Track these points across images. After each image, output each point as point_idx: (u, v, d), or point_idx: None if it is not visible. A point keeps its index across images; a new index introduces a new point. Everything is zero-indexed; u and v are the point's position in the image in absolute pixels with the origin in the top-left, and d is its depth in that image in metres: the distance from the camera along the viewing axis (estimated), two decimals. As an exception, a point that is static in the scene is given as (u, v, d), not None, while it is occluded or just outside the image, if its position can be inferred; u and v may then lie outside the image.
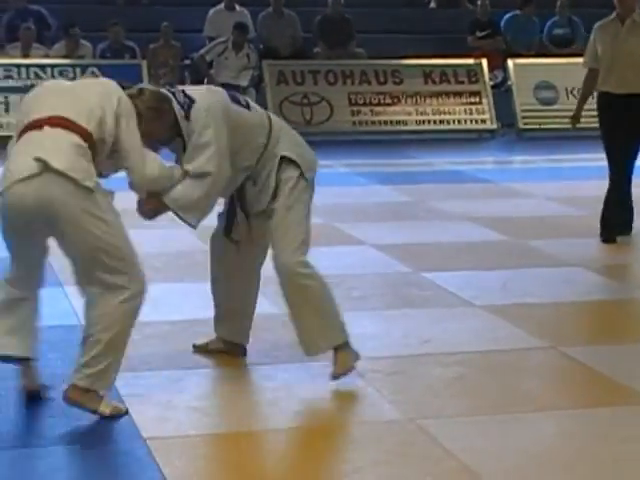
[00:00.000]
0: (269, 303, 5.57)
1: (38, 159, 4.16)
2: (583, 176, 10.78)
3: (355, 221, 8.51)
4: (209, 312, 5.30)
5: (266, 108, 13.30)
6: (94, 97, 4.36)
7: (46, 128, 4.25)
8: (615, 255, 7.59)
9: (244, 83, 13.51)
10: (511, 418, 4.55)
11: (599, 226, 7.94)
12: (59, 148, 4.21)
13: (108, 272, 4.28)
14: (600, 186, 10.25)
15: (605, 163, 8.03)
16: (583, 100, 8.03)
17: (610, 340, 5.65)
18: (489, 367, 5.20)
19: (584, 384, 5.02)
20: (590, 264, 7.19)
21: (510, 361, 5.33)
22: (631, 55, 7.63)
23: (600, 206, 9.05)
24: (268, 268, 4.97)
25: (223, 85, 13.30)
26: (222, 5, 14.66)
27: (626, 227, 7.91)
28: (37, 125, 4.27)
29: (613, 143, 7.79)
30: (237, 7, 14.68)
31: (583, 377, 5.10)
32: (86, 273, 4.32)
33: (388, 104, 13.82)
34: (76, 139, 4.24)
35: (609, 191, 7.92)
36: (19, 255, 4.42)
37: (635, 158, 7.88)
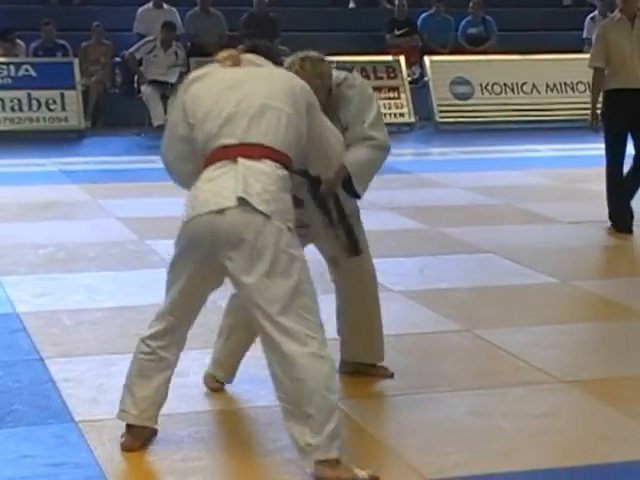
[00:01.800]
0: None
1: (240, 198, 3.75)
2: (496, 167, 11.04)
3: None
4: (140, 299, 5.38)
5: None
6: (281, 104, 3.91)
7: (241, 161, 3.81)
8: (525, 242, 7.76)
9: (172, 80, 13.62)
10: (427, 398, 4.66)
11: (610, 217, 8.04)
12: (263, 189, 3.77)
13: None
14: (511, 176, 10.60)
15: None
16: (597, 99, 7.98)
17: (520, 323, 5.78)
18: (407, 349, 5.30)
19: (497, 365, 5.11)
20: (502, 250, 7.37)
21: (427, 343, 5.44)
22: None
23: (512, 195, 9.38)
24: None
25: (152, 82, 13.51)
26: (151, 4, 14.75)
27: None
28: (230, 155, 3.83)
29: (622, 138, 7.89)
30: (165, 6, 14.78)
31: (496, 358, 5.21)
32: None
33: (310, 99, 14.00)
34: (275, 173, 3.83)
35: (619, 183, 8.00)
36: (186, 296, 3.97)
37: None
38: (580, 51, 15.98)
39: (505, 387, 4.82)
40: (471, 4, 15.70)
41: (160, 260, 6.53)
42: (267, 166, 3.82)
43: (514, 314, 5.98)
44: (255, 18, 14.95)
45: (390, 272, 6.71)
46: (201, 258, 3.86)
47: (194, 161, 3.99)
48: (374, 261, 6.87)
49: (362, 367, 4.90)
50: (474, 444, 4.19)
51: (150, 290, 6.08)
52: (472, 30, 15.76)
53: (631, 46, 7.79)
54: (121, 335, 5.37)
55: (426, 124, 14.35)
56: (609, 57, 7.83)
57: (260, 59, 4.12)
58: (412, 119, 14.25)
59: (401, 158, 12.01)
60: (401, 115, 14.24)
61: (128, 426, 4.08)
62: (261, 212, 3.75)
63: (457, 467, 4.00)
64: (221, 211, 3.77)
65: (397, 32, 15.52)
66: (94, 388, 4.68)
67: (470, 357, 5.30)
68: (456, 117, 14.41)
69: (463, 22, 15.73)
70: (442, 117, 14.36)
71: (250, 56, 4.14)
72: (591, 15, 16.29)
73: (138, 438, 4.07)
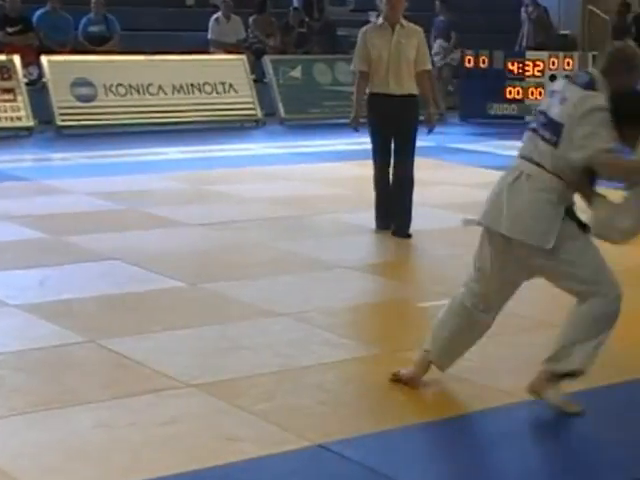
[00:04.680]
0: None
1: None
2: (122, 171, 10.91)
3: None
4: None
5: None
6: None
7: None
8: (152, 246, 7.67)
9: None
10: (48, 415, 4.54)
11: (375, 216, 8.30)
12: None
13: None
14: (137, 181, 10.52)
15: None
16: (360, 102, 8.22)
17: (146, 330, 5.71)
18: (26, 366, 5.13)
19: (123, 374, 5.06)
20: (128, 257, 7.23)
21: (48, 358, 5.28)
22: (406, 59, 8.04)
23: (139, 200, 9.26)
24: None
25: None
26: None
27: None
28: None
29: (385, 141, 8.14)
30: None
31: (121, 368, 5.15)
32: None
33: None
34: None
35: (386, 185, 8.24)
36: None
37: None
38: (206, 52, 16.13)
39: (131, 396, 4.79)
40: (93, 1, 15.39)
41: None
42: None
43: (140, 321, 5.93)
44: None
45: (7, 286, 6.51)
46: None
47: None
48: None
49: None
50: (100, 458, 4.11)
51: None
52: (93, 28, 15.48)
53: (389, 52, 8.06)
54: None
55: (47, 128, 13.91)
56: (369, 62, 8.11)
57: None
58: (31, 123, 13.77)
59: (19, 164, 11.71)
60: (18, 119, 13.73)
61: None
62: None
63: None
64: None
65: (10, 29, 14.95)
66: None
67: (95, 369, 5.19)
68: (79, 120, 14.08)
69: (84, 20, 15.41)
70: (64, 120, 13.99)
71: None
72: (215, 16, 16.45)
73: None
